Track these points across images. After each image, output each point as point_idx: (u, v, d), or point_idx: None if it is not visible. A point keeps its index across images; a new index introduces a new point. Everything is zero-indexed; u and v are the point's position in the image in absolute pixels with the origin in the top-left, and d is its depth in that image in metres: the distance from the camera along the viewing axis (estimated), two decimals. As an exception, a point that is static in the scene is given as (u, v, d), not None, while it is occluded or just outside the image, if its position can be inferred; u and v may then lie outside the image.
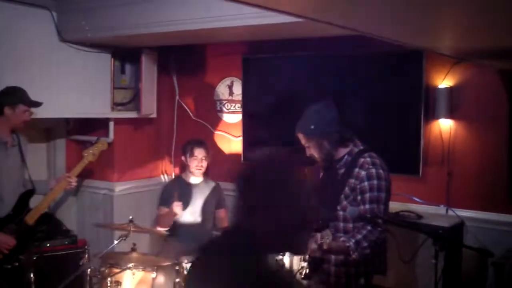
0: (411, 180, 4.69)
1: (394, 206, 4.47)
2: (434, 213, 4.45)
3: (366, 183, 3.37)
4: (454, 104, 4.55)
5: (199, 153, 5.02)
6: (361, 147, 3.54)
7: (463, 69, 4.50)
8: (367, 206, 3.34)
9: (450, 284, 4.03)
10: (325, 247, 3.23)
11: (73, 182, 4.66)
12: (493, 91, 4.41)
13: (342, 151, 3.52)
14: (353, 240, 3.27)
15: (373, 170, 3.38)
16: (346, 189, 3.43)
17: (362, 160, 3.44)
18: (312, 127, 3.47)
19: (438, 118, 4.59)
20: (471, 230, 4.29)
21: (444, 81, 4.55)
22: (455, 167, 4.58)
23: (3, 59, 4.59)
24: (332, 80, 4.96)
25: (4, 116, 4.28)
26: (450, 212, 4.39)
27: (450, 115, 4.56)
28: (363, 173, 3.38)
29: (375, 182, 3.36)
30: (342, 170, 3.50)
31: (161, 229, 5.01)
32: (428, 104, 4.61)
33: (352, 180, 3.42)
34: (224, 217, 5.27)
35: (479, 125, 4.51)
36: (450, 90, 4.54)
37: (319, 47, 4.96)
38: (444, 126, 4.60)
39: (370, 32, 3.25)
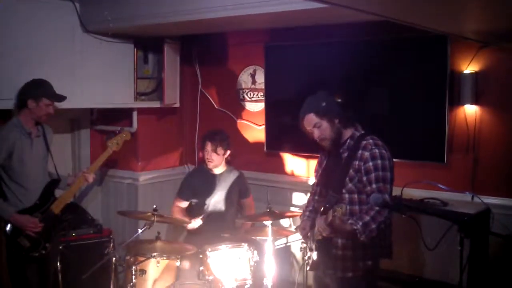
0: (436, 167, 4.64)
1: (419, 193, 4.44)
2: (460, 200, 4.39)
3: (370, 163, 3.40)
4: (480, 89, 4.48)
5: (207, 146, 5.00)
6: (362, 131, 3.58)
7: (489, 54, 4.43)
8: (374, 186, 3.37)
9: (476, 271, 3.98)
10: (338, 220, 3.25)
11: (90, 178, 4.66)
12: (519, 76, 4.34)
13: (345, 136, 3.56)
14: (360, 223, 3.29)
15: (376, 151, 3.42)
16: (351, 171, 3.45)
17: (364, 142, 3.48)
18: (324, 104, 3.52)
19: (463, 104, 4.53)
20: (498, 217, 4.22)
21: (469, 67, 4.48)
22: (480, 153, 4.52)
23: (28, 51, 4.63)
24: (356, 66, 4.92)
25: (28, 108, 4.32)
26: (476, 199, 4.34)
27: (476, 101, 4.49)
28: (366, 153, 3.42)
29: (379, 161, 3.40)
30: (345, 154, 3.53)
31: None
32: (453, 90, 4.54)
33: (356, 162, 3.45)
34: (250, 205, 5.27)
35: (505, 111, 4.44)
36: (475, 75, 4.47)
37: (342, 34, 4.92)
38: (470, 112, 4.54)
39: (394, 17, 3.22)
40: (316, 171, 3.83)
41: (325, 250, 3.51)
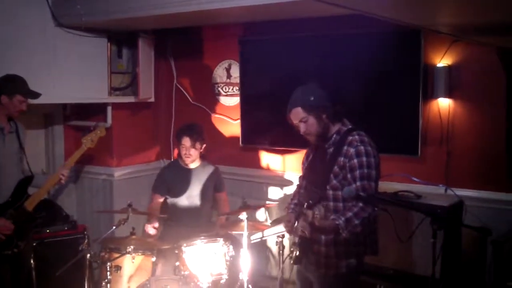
0: (409, 160, 4.68)
1: (393, 186, 4.46)
2: (433, 192, 4.42)
3: (355, 160, 3.33)
4: (453, 83, 4.52)
5: (186, 141, 4.97)
6: (349, 126, 3.50)
7: (462, 47, 4.47)
8: (358, 183, 3.29)
9: (449, 263, 4.03)
10: (317, 223, 3.19)
11: (63, 178, 4.58)
12: (491, 70, 4.38)
13: (332, 130, 3.49)
14: (343, 218, 3.23)
15: (362, 147, 3.34)
16: (335, 168, 3.38)
17: (350, 138, 3.40)
18: (312, 98, 3.41)
19: (436, 97, 4.56)
20: (471, 209, 4.27)
21: (443, 60, 4.52)
22: (454, 146, 4.57)
23: (-1, 45, 4.58)
24: (330, 60, 4.93)
25: (1, 104, 4.26)
26: (449, 192, 4.38)
27: (449, 94, 4.53)
28: (351, 150, 3.35)
29: (364, 159, 3.33)
30: (331, 150, 3.46)
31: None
32: (426, 83, 4.58)
33: (341, 158, 3.38)
34: (224, 199, 5.26)
35: (478, 104, 4.48)
36: (448, 69, 4.51)
37: (316, 28, 4.93)
38: (443, 105, 4.58)
39: (367, 10, 3.23)
40: (303, 163, 3.76)
41: (308, 246, 3.43)
